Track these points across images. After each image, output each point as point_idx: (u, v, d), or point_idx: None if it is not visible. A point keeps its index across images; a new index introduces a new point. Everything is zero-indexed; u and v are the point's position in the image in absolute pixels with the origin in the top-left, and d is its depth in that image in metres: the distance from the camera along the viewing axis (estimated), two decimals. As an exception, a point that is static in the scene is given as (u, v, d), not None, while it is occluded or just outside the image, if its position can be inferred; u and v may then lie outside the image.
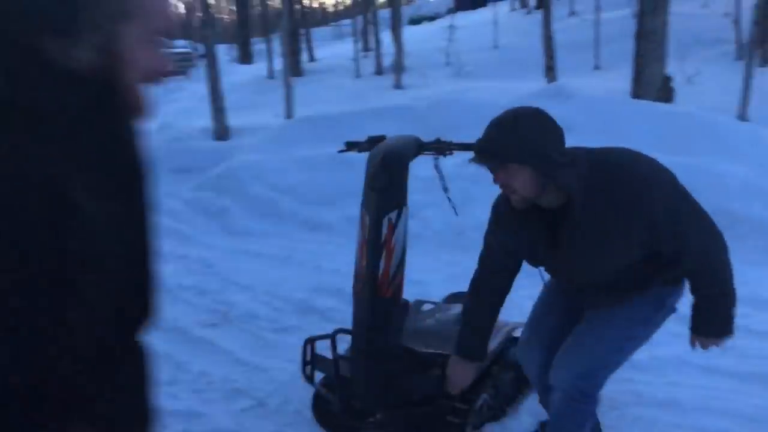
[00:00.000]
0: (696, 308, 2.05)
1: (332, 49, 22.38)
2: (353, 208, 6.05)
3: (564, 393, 2.11)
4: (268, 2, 23.43)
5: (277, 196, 6.47)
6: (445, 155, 2.76)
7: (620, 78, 10.06)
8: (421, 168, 6.68)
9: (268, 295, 4.33)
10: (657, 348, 3.38)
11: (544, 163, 1.81)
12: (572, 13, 15.82)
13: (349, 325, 3.79)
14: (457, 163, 6.26)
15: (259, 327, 3.87)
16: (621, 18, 13.20)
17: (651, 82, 7.61)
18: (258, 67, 18.95)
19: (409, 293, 4.33)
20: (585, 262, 1.97)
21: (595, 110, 6.51)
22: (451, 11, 24.54)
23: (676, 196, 1.90)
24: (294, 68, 14.07)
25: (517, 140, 1.81)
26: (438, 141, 2.74)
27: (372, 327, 2.37)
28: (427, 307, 3.08)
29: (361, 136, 7.73)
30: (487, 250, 2.23)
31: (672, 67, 8.52)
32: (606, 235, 1.87)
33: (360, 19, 18.85)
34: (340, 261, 5.04)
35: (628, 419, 2.72)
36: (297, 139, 7.60)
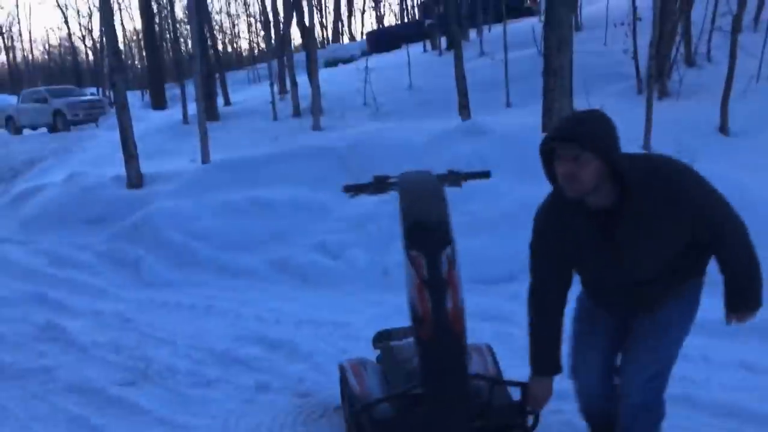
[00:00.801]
0: (732, 287, 2.16)
1: (248, 93, 22.24)
2: (275, 252, 6.01)
3: (638, 401, 2.23)
4: (181, 47, 23.16)
5: (194, 243, 6.29)
6: (460, 185, 2.77)
7: (531, 114, 10.39)
8: (342, 208, 6.64)
9: (189, 347, 4.15)
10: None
11: (615, 158, 1.96)
12: (482, 53, 16.34)
13: (277, 374, 3.70)
14: (375, 201, 6.31)
15: (181, 382, 3.69)
16: (528, 57, 13.72)
17: (560, 117, 7.89)
18: (172, 113, 18.60)
19: (335, 335, 4.29)
20: (639, 257, 2.08)
21: (509, 145, 6.68)
22: (365, 53, 24.95)
23: (707, 186, 2.08)
24: (209, 112, 13.87)
25: (597, 133, 1.96)
26: (450, 172, 2.75)
27: (457, 371, 2.23)
28: (399, 344, 2.97)
29: (282, 179, 7.60)
30: (534, 260, 2.27)
31: (579, 102, 8.89)
32: (657, 227, 2.02)
33: (276, 62, 18.83)
34: (262, 307, 4.92)
35: None
36: (214, 184, 7.45)
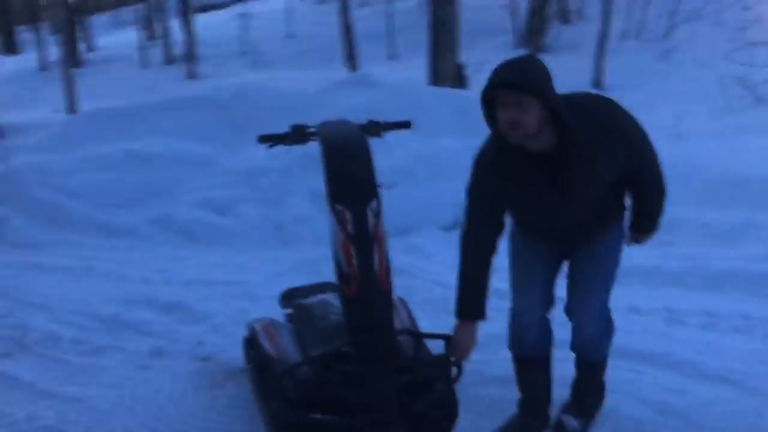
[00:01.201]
0: (640, 211, 2.37)
1: (113, 38, 20.74)
2: (157, 209, 5.66)
3: (595, 326, 2.45)
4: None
5: (65, 200, 5.77)
6: (381, 136, 2.61)
7: (415, 66, 10.41)
8: (228, 161, 6.35)
9: (71, 313, 3.82)
10: (487, 325, 3.48)
11: (554, 100, 1.98)
12: (364, 4, 16.10)
13: (172, 338, 3.50)
14: (265, 155, 6.08)
15: (65, 351, 3.38)
16: (411, 8, 13.68)
17: (446, 70, 7.93)
18: (26, 58, 17.06)
19: (231, 294, 4.11)
20: (580, 194, 2.16)
21: (398, 98, 6.61)
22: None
23: (632, 117, 2.17)
24: (72, 59, 12.80)
25: (537, 77, 1.97)
26: (371, 122, 2.59)
27: (386, 327, 2.14)
28: (311, 302, 2.84)
29: (160, 131, 7.16)
30: (472, 204, 2.28)
31: (462, 56, 8.96)
32: (596, 164, 2.10)
33: (143, 6, 17.59)
34: (147, 268, 4.63)
35: (473, 398, 2.73)
36: (84, 136, 6.84)
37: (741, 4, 11.83)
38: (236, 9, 17.72)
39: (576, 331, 2.50)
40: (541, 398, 2.56)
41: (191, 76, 11.64)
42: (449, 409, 2.34)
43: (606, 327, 2.50)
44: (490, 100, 2.04)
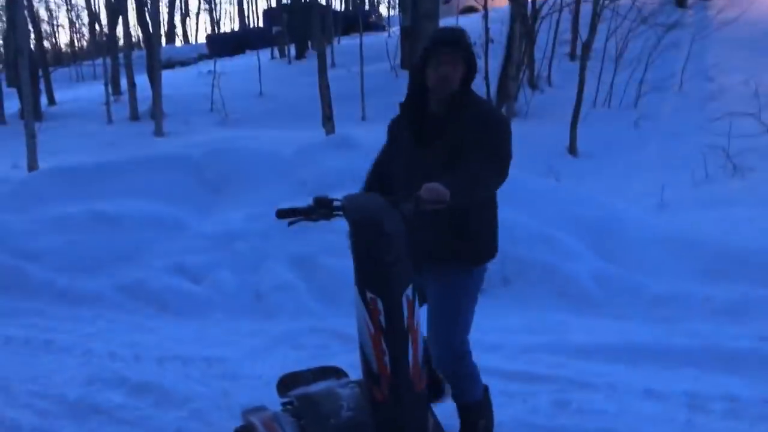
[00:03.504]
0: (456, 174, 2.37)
1: (74, 92, 20.33)
2: (124, 275, 5.28)
3: (447, 364, 2.51)
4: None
5: (24, 264, 5.37)
6: (412, 212, 2.38)
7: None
8: (202, 224, 6.00)
9: (30, 395, 3.42)
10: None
11: (476, 65, 2.46)
12: (333, 65, 16.09)
13: (148, 426, 3.12)
14: (243, 218, 5.77)
15: (23, 442, 2.99)
16: (381, 70, 13.74)
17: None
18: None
19: (210, 373, 3.76)
20: (432, 164, 2.35)
21: (379, 160, 6.45)
22: (204, 57, 23.84)
23: (509, 133, 2.45)
24: (35, 112, 12.40)
25: (468, 43, 2.45)
26: (402, 196, 2.34)
27: None
28: (316, 393, 2.51)
29: (127, 191, 6.78)
30: (383, 148, 2.75)
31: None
32: (455, 145, 2.36)
33: (108, 60, 17.27)
34: (115, 341, 4.26)
35: None
36: (45, 195, 6.47)
37: (704, 75, 12.16)
38: (202, 66, 17.59)
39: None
40: None
41: (158, 133, 11.34)
42: None
43: (461, 367, 2.53)
44: (425, 60, 2.40)
